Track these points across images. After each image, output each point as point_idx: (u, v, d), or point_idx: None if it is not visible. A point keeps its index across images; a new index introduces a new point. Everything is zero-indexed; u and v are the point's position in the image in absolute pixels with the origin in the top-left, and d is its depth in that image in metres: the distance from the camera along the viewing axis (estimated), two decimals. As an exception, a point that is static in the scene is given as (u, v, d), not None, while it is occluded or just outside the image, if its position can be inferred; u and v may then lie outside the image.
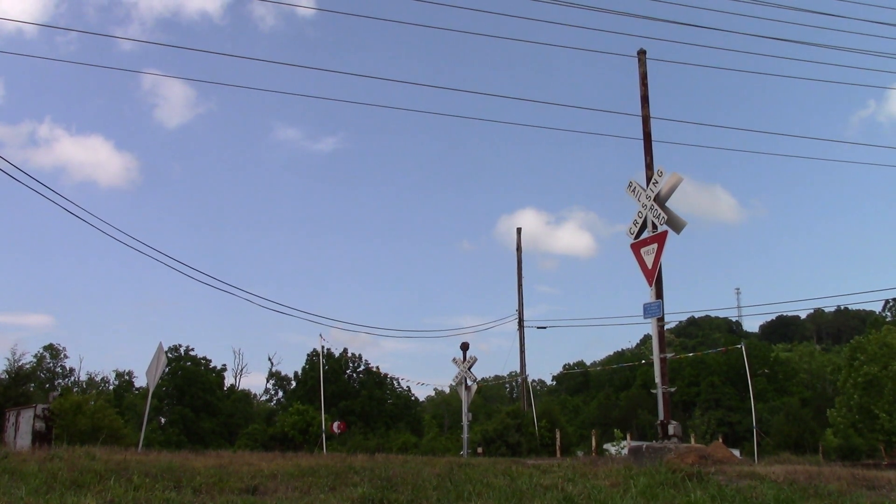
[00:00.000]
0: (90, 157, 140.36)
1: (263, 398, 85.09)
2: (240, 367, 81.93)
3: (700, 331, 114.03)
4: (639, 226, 13.09)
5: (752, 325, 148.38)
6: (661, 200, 12.79)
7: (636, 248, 13.03)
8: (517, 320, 36.56)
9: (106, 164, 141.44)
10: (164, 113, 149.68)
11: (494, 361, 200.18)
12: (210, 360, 69.76)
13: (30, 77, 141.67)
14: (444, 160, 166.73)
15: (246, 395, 79.83)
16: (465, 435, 28.94)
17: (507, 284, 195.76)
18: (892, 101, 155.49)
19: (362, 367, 75.60)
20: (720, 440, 41.96)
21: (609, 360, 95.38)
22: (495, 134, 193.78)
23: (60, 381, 72.01)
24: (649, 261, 12.69)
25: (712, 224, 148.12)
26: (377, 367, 76.37)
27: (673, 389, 13.15)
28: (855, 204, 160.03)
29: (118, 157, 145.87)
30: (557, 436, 31.48)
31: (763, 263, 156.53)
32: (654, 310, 12.55)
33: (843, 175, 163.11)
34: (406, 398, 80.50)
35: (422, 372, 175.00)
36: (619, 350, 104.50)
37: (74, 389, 64.98)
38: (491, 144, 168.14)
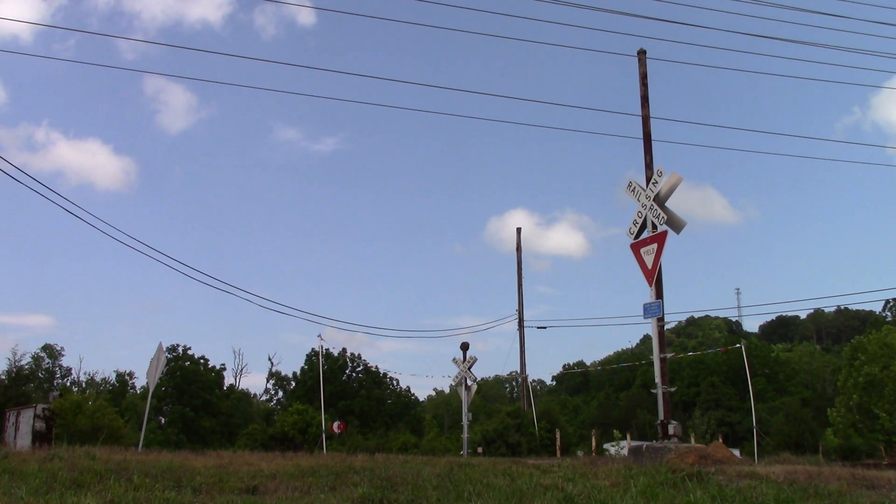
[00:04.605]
0: (88, 160, 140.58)
1: (263, 398, 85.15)
2: (240, 367, 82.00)
3: (700, 331, 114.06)
4: (638, 226, 13.08)
5: (752, 325, 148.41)
6: (660, 200, 12.79)
7: (636, 248, 13.02)
8: (517, 320, 36.61)
9: (104, 167, 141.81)
10: (166, 118, 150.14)
11: (494, 361, 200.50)
12: (209, 360, 69.88)
13: (27, 81, 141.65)
14: (441, 161, 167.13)
15: (245, 395, 79.82)
16: (465, 435, 28.96)
17: (502, 285, 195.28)
18: (876, 109, 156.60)
19: (361, 367, 75.66)
20: (720, 440, 41.94)
21: (609, 360, 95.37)
22: (489, 134, 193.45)
23: (59, 380, 71.94)
24: (649, 261, 12.68)
25: (707, 224, 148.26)
26: (376, 367, 76.44)
27: (673, 389, 13.15)
28: (855, 204, 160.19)
29: (116, 160, 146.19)
30: (557, 436, 31.46)
31: (762, 263, 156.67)
32: (654, 310, 12.55)
33: (841, 175, 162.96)
34: (406, 398, 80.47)
35: (421, 372, 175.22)
36: (619, 350, 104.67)
37: (74, 389, 64.96)
38: (484, 145, 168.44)
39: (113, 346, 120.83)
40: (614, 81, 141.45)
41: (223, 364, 73.00)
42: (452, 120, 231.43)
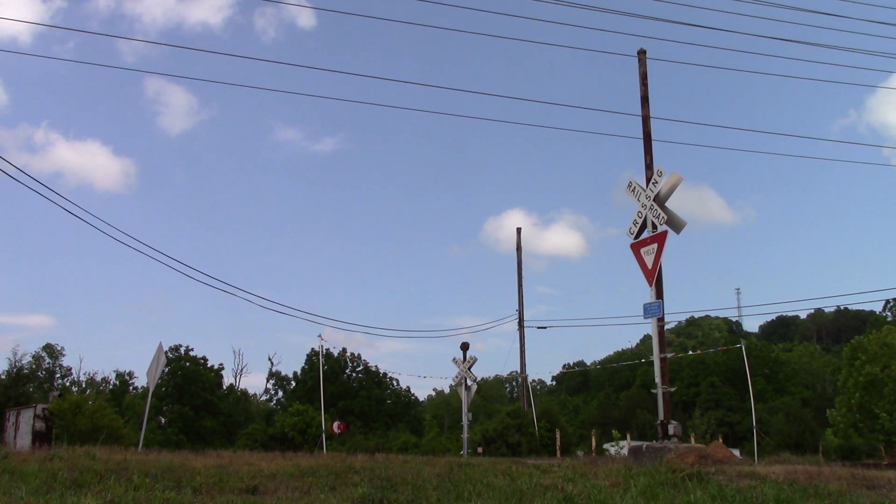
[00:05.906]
0: (87, 161, 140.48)
1: (263, 398, 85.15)
2: (240, 367, 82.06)
3: (700, 331, 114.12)
4: (638, 226, 13.08)
5: (752, 325, 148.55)
6: (660, 200, 12.78)
7: (636, 248, 13.01)
8: (517, 320, 36.60)
9: (104, 167, 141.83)
10: (166, 119, 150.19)
11: (494, 361, 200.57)
12: (208, 360, 69.88)
13: (27, 82, 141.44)
14: (440, 161, 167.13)
15: (245, 395, 79.85)
16: (465, 435, 28.95)
17: (502, 286, 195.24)
18: (871, 111, 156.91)
19: (361, 367, 75.68)
20: (720, 440, 41.96)
21: (609, 360, 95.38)
22: (488, 135, 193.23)
23: (59, 380, 71.94)
24: (649, 261, 12.68)
25: (704, 224, 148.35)
26: (376, 367, 76.47)
27: (673, 389, 13.15)
28: (854, 204, 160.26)
29: (116, 161, 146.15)
30: (557, 436, 31.45)
31: (762, 263, 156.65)
32: (655, 310, 12.54)
33: (840, 175, 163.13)
34: (406, 398, 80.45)
35: (421, 372, 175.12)
36: (619, 350, 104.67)
37: (74, 389, 64.98)
38: (482, 145, 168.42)
39: (113, 346, 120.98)
40: (614, 81, 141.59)
41: (221, 364, 73.11)
42: (451, 120, 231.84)
